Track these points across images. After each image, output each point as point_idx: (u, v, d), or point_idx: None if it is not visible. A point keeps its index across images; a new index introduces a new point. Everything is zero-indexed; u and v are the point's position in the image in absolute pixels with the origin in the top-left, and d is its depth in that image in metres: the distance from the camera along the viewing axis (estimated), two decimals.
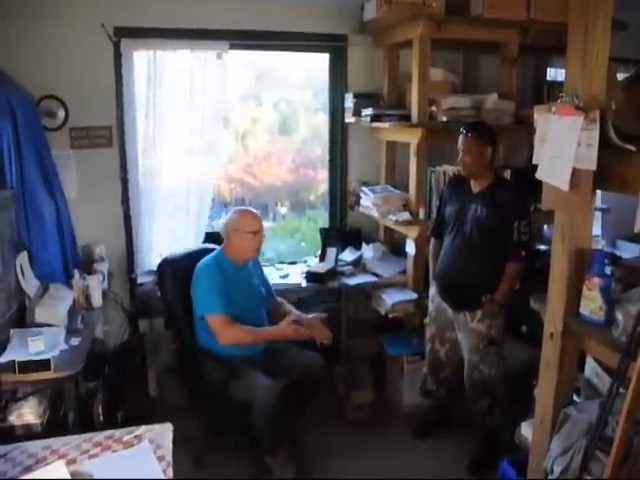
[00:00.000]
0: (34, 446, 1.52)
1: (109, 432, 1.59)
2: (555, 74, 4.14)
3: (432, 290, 3.02)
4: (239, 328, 2.61)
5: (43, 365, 2.21)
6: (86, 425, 2.47)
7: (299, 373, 2.70)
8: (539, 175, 1.92)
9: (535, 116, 2.01)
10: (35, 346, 2.27)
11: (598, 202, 3.82)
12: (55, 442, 1.53)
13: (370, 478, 2.77)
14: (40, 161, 3.03)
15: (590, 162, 1.72)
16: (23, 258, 2.75)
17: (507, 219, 2.66)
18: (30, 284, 2.74)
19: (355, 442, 3.09)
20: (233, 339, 2.61)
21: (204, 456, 2.83)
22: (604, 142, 1.70)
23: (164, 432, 1.60)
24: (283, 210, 4.50)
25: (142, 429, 1.60)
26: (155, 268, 3.45)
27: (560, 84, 1.95)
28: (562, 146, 1.81)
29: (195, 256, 2.85)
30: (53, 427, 2.33)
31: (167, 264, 2.90)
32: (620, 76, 2.24)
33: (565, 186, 1.80)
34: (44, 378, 2.22)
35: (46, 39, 3.25)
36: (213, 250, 2.89)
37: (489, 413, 2.84)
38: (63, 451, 1.50)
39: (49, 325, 2.57)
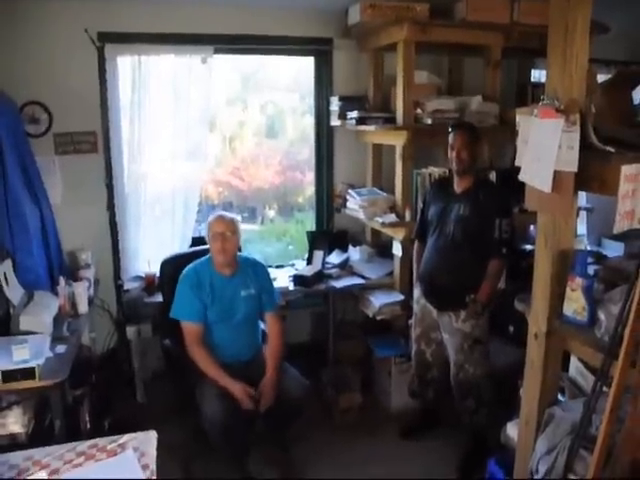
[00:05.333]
0: (16, 457, 1.50)
1: (93, 441, 1.58)
2: (539, 76, 4.17)
3: (416, 292, 3.05)
4: (202, 353, 2.60)
5: (28, 374, 2.18)
6: (73, 433, 2.44)
7: (279, 400, 2.64)
8: (522, 177, 1.94)
9: (517, 118, 2.03)
10: (19, 354, 2.24)
11: (583, 202, 3.86)
12: (38, 452, 1.52)
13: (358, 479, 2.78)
14: (24, 168, 3.00)
15: (571, 164, 1.74)
16: (7, 266, 2.72)
17: (489, 217, 2.71)
18: (14, 292, 2.71)
19: (343, 445, 3.09)
20: (192, 356, 2.61)
21: (193, 461, 2.82)
22: (584, 144, 1.72)
23: (148, 440, 1.59)
24: (271, 213, 4.50)
25: (126, 437, 1.59)
26: (141, 274, 3.45)
27: (544, 86, 1.97)
28: (544, 148, 1.82)
29: (193, 258, 2.86)
30: (39, 436, 2.30)
31: (168, 265, 2.97)
32: (603, 77, 2.26)
33: (547, 188, 1.82)
34: (29, 387, 2.19)
35: (29, 45, 3.23)
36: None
37: (476, 413, 2.85)
38: (46, 462, 1.48)
39: (34, 333, 2.54)
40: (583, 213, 3.99)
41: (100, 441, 1.58)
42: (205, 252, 2.87)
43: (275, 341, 2.80)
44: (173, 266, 2.93)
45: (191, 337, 2.63)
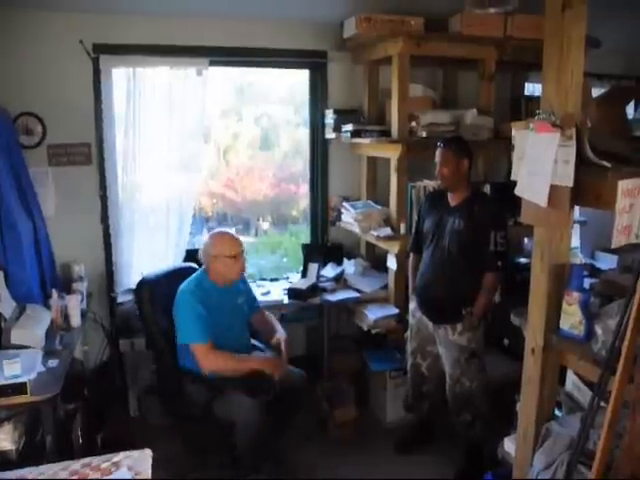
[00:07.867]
0: (7, 477, 1.47)
1: (86, 460, 1.55)
2: (533, 89, 4.21)
3: (412, 305, 3.04)
4: (221, 355, 2.57)
5: (19, 389, 2.15)
6: (64, 449, 2.40)
7: (282, 389, 2.66)
8: (518, 191, 1.94)
9: (513, 133, 2.03)
10: (11, 369, 2.21)
11: (577, 215, 3.87)
12: (30, 472, 1.48)
13: None
14: (17, 179, 2.98)
15: (567, 178, 1.74)
16: None
17: (483, 230, 2.71)
18: (6, 305, 2.68)
19: (338, 459, 3.05)
20: (214, 367, 2.56)
21: (187, 476, 2.77)
22: (580, 158, 1.72)
23: (143, 458, 1.56)
24: (265, 225, 4.48)
25: (120, 455, 1.56)
26: (135, 286, 3.39)
27: (538, 99, 1.98)
28: (540, 163, 1.82)
29: (174, 276, 2.81)
30: (29, 453, 2.26)
31: (146, 284, 2.82)
32: (597, 91, 2.27)
33: (543, 202, 1.82)
34: (20, 402, 2.16)
35: (24, 55, 3.22)
36: (192, 269, 2.84)
37: (472, 426, 2.84)
38: None
39: (26, 347, 2.50)
40: (576, 226, 4.01)
41: (94, 460, 1.55)
42: (185, 270, 2.86)
43: (269, 326, 2.94)
44: (151, 286, 2.81)
45: (206, 354, 2.56)
